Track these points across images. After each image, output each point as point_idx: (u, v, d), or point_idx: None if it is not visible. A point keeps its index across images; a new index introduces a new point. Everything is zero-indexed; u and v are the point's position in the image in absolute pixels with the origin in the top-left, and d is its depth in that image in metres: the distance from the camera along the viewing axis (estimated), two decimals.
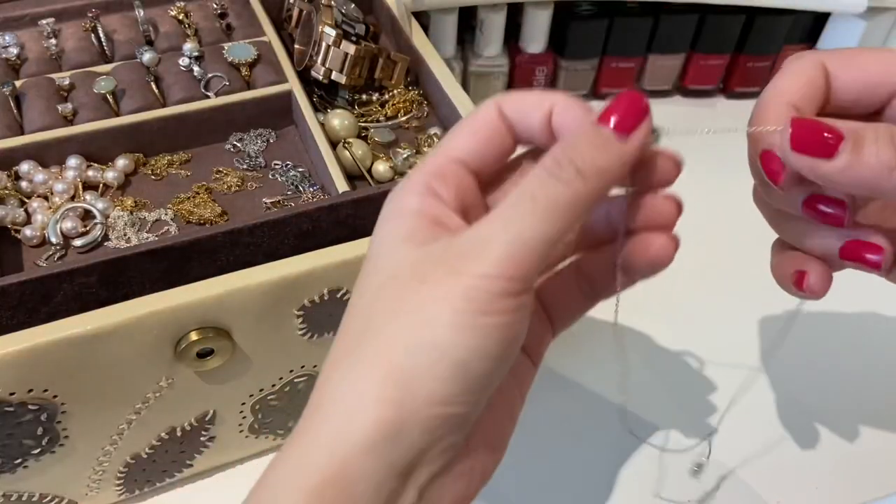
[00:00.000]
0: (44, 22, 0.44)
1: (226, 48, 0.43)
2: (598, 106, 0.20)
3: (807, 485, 0.39)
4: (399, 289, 0.19)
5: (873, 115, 0.24)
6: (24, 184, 0.36)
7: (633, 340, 0.45)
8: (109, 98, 0.39)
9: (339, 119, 0.39)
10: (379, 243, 0.21)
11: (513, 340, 0.19)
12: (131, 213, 0.36)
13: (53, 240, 0.34)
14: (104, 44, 0.43)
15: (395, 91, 0.43)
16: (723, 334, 0.46)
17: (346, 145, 0.38)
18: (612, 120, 0.19)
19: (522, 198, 0.19)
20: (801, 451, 0.40)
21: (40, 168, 0.37)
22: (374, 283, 0.20)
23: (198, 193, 0.37)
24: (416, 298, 0.19)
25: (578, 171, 0.19)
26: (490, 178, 0.23)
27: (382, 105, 0.43)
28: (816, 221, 0.23)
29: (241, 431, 0.36)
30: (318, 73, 0.41)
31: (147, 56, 0.41)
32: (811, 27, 0.58)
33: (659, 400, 0.42)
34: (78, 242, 0.34)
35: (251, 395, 0.35)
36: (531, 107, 0.21)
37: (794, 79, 0.23)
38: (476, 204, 0.22)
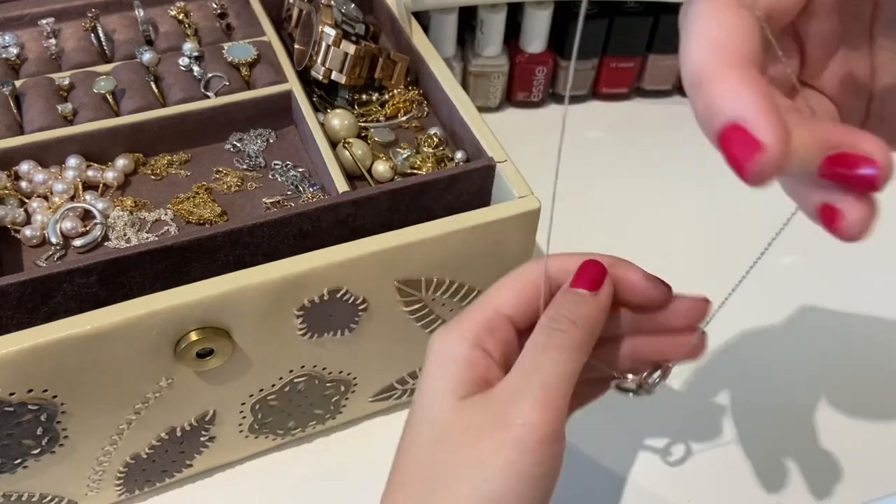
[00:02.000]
0: (43, 22, 0.44)
1: (226, 48, 0.43)
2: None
3: (807, 485, 0.39)
4: (455, 445, 0.22)
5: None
6: (23, 184, 0.36)
7: None
8: (109, 98, 0.39)
9: (338, 119, 0.39)
10: (427, 393, 0.24)
11: (553, 484, 0.22)
12: (131, 213, 0.36)
13: (53, 240, 0.34)
14: (104, 44, 0.43)
15: (395, 91, 0.43)
16: (720, 333, 0.46)
17: (346, 145, 0.38)
18: (580, 282, 0.24)
19: (535, 350, 0.23)
20: (802, 451, 0.40)
21: (40, 168, 0.37)
22: (425, 435, 0.23)
23: (197, 193, 0.37)
24: (474, 455, 0.22)
25: (571, 321, 0.23)
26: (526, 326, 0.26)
27: (382, 105, 0.43)
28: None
29: (240, 431, 0.36)
30: (317, 72, 0.41)
31: (147, 56, 0.41)
32: None
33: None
34: (78, 242, 0.34)
35: (251, 395, 0.35)
36: (574, 268, 0.25)
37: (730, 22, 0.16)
38: (515, 353, 0.25)
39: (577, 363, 0.23)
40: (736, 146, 0.15)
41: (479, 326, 0.24)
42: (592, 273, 0.25)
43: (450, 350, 0.24)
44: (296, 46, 0.44)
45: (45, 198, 0.36)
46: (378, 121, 0.42)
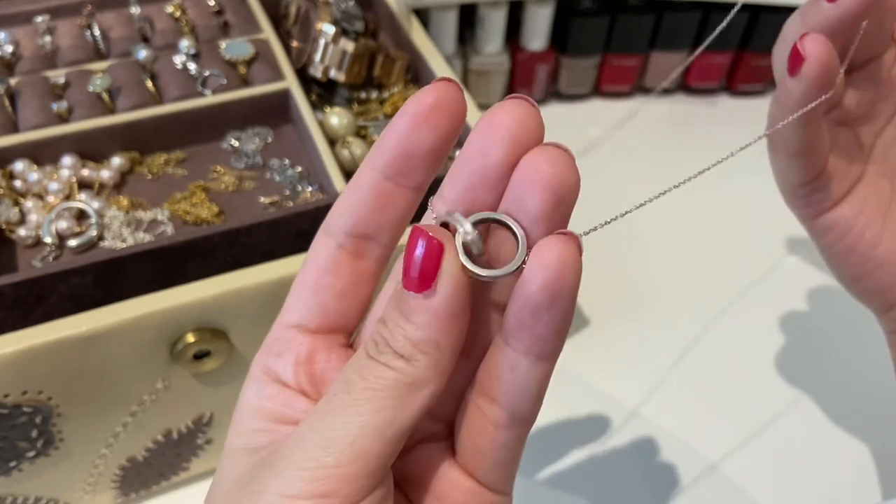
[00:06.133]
0: (38, 19, 0.43)
1: (223, 46, 0.42)
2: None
3: (810, 487, 0.39)
4: None
5: None
6: (18, 183, 0.36)
7: (627, 343, 0.45)
8: (105, 96, 0.39)
9: (337, 117, 0.39)
10: (223, 453, 0.18)
11: None
12: (127, 212, 0.36)
13: (48, 240, 0.34)
14: (99, 41, 0.42)
15: (395, 89, 0.42)
16: (723, 335, 0.45)
17: (345, 144, 0.38)
18: (408, 277, 0.15)
19: (336, 386, 0.16)
20: (804, 453, 0.40)
21: (35, 167, 0.36)
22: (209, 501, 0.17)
23: (194, 193, 0.37)
24: None
25: (393, 352, 0.15)
26: None
27: (381, 103, 0.42)
28: None
29: None
30: (316, 70, 0.40)
31: (143, 53, 0.41)
32: None
33: (652, 403, 0.42)
34: (73, 242, 0.34)
35: None
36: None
37: None
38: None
39: (408, 409, 0.15)
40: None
41: (264, 355, 0.18)
42: (421, 256, 0.15)
43: (240, 400, 0.18)
44: (294, 44, 0.43)
45: (40, 197, 0.36)
46: (377, 119, 0.41)
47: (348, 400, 0.15)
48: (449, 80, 0.16)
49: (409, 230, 0.16)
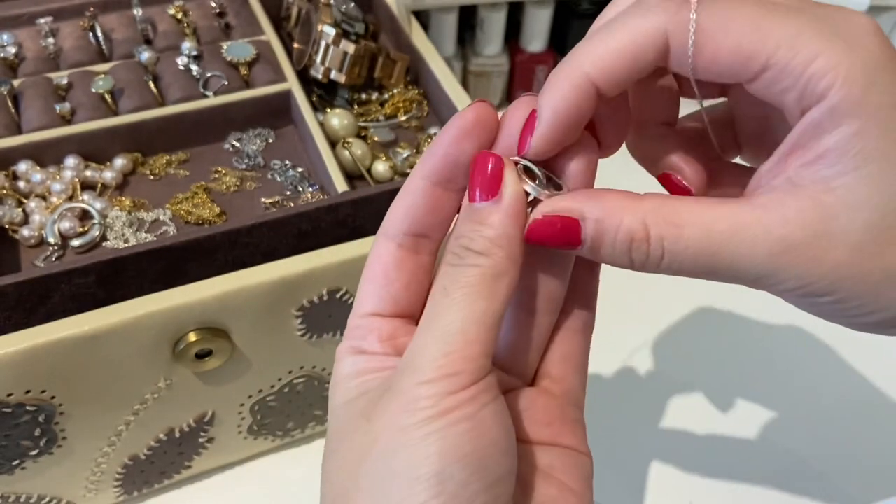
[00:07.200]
0: (42, 21, 0.43)
1: (224, 47, 0.43)
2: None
3: (809, 486, 0.39)
4: (350, 438, 0.19)
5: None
6: (21, 183, 0.36)
7: (624, 346, 0.45)
8: (107, 97, 0.39)
9: (338, 118, 0.39)
10: (329, 417, 0.21)
11: (491, 429, 0.18)
12: (129, 213, 0.36)
13: (51, 240, 0.34)
14: (102, 43, 0.43)
15: (395, 90, 0.43)
16: (723, 339, 0.45)
17: (346, 145, 0.38)
18: (477, 192, 0.19)
19: (433, 298, 0.19)
20: (803, 453, 0.40)
21: (38, 168, 0.37)
22: (330, 449, 0.20)
23: (196, 193, 0.37)
24: (367, 438, 0.18)
25: (475, 253, 0.19)
26: None
27: (382, 104, 0.43)
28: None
29: (239, 433, 0.36)
30: (317, 72, 0.41)
31: (145, 55, 0.41)
32: None
33: (641, 403, 0.42)
34: (76, 242, 0.34)
35: (250, 397, 0.34)
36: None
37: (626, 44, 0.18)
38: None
39: (497, 297, 0.18)
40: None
41: (348, 341, 0.21)
42: (484, 172, 0.19)
43: (335, 376, 0.21)
44: (295, 45, 0.43)
45: (43, 198, 0.36)
46: (378, 120, 0.42)
47: (448, 302, 0.18)
48: (485, 101, 0.19)
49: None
